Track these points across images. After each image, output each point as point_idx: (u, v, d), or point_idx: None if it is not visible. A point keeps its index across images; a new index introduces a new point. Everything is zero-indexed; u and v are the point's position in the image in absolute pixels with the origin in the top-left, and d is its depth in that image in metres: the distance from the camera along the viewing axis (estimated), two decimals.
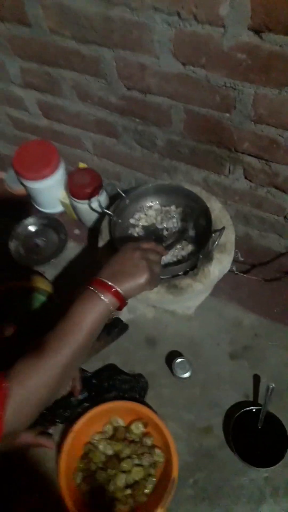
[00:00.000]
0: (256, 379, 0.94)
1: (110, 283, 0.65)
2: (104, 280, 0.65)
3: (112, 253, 0.72)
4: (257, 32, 0.62)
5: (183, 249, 0.94)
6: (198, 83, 0.76)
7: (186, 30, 0.68)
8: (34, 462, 0.89)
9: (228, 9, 0.61)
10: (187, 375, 0.91)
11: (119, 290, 0.65)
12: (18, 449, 0.85)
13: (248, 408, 0.88)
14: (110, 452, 0.88)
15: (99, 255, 0.95)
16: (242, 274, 1.03)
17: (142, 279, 0.68)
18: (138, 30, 0.72)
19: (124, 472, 0.85)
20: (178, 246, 0.94)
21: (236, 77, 0.71)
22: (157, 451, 0.87)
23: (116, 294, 0.65)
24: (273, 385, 0.84)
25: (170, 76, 0.78)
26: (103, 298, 0.64)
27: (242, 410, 0.88)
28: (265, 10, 0.58)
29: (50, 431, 0.90)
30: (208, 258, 0.89)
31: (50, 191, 1.13)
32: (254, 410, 0.88)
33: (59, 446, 0.85)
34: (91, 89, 0.91)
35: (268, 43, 0.63)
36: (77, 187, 1.04)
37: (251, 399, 0.92)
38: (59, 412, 0.91)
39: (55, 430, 0.91)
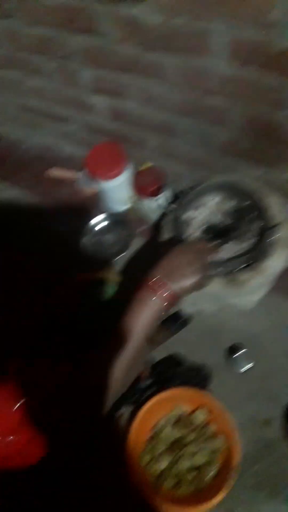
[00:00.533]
0: None
1: (164, 282, 0.69)
2: (158, 279, 0.69)
3: (170, 249, 0.76)
4: None
5: (242, 244, 0.96)
6: (254, 83, 0.79)
7: (242, 34, 0.71)
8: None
9: (280, 14, 0.63)
10: (248, 367, 0.93)
11: (172, 290, 0.69)
12: None
13: None
14: (175, 436, 0.93)
15: (160, 249, 1.01)
16: None
17: (194, 280, 0.71)
18: (198, 37, 0.77)
19: (188, 456, 0.90)
20: (237, 241, 0.96)
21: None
22: (220, 438, 0.90)
23: (170, 295, 0.69)
24: None
25: (227, 78, 0.81)
26: (155, 298, 0.68)
27: None
28: None
29: (119, 413, 0.97)
30: (267, 252, 0.90)
31: (119, 190, 1.20)
32: None
33: (128, 428, 0.92)
34: (156, 92, 0.97)
35: None
36: (142, 186, 1.11)
37: None
38: (128, 395, 0.98)
39: (125, 412, 0.98)
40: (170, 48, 0.83)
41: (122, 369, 0.69)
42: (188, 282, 0.71)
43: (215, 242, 0.92)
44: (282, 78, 0.73)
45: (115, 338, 0.69)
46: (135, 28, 0.83)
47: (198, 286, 0.73)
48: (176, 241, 0.91)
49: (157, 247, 1.04)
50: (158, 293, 0.68)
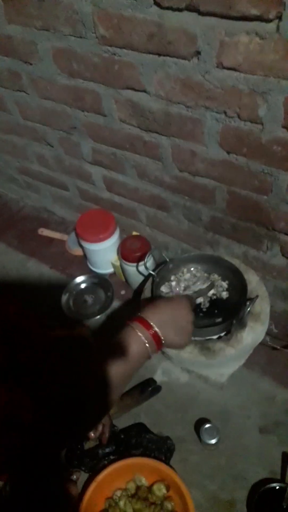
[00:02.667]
0: (285, 456, 0.92)
1: (161, 336, 0.67)
2: (152, 325, 0.67)
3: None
4: None
5: (218, 315, 1.00)
6: (240, 169, 0.87)
7: (231, 125, 0.81)
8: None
9: (265, 111, 0.73)
10: (213, 441, 0.91)
11: (163, 341, 0.67)
12: None
13: (274, 485, 0.86)
14: (129, 510, 0.88)
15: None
16: (276, 347, 1.05)
17: (184, 340, 0.72)
18: (191, 124, 0.87)
19: None
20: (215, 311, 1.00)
21: (272, 165, 0.81)
22: None
23: (159, 346, 0.68)
24: None
25: (216, 162, 0.90)
26: (145, 345, 0.66)
27: (267, 487, 0.86)
28: None
29: (74, 477, 0.92)
30: (242, 325, 0.94)
31: (104, 253, 1.25)
32: (279, 487, 0.86)
33: (81, 495, 0.87)
34: (149, 169, 1.06)
35: None
36: (128, 251, 1.16)
37: (278, 476, 0.90)
38: (86, 461, 0.94)
39: (79, 478, 0.93)
40: (165, 131, 0.93)
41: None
42: (179, 341, 0.72)
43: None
44: (267, 166, 0.82)
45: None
46: (135, 111, 0.94)
47: (183, 346, 0.73)
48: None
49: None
50: (146, 341, 0.67)
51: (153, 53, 0.80)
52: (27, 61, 1.03)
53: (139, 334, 0.66)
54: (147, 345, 0.66)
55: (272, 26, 0.63)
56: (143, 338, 0.66)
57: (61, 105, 1.09)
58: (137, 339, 0.66)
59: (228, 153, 0.86)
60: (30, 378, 0.71)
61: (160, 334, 0.67)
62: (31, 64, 1.03)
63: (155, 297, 0.73)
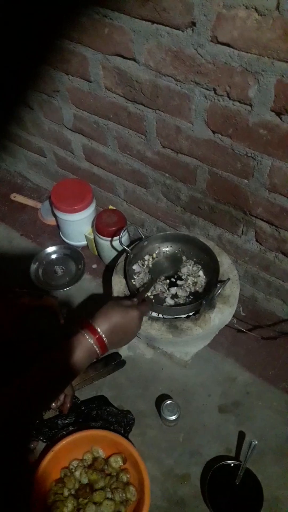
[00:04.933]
0: (241, 435, 0.95)
1: (105, 341, 0.74)
2: (101, 335, 0.73)
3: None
4: (278, 114, 0.73)
5: (187, 294, 1.00)
6: (223, 149, 0.86)
7: (219, 104, 0.79)
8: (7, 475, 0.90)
9: (256, 92, 0.72)
10: (173, 417, 0.93)
11: (107, 344, 0.74)
12: None
13: (228, 462, 0.89)
14: (85, 480, 0.89)
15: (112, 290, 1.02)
16: (242, 330, 1.07)
17: (130, 339, 0.81)
18: (179, 98, 0.85)
19: (94, 503, 0.86)
20: (185, 289, 1.01)
21: (256, 149, 0.81)
22: (132, 489, 0.87)
23: (103, 350, 0.74)
24: (256, 442, 0.85)
25: (200, 141, 0.89)
26: (94, 347, 0.72)
27: (221, 463, 0.89)
28: (286, 97, 0.69)
29: (32, 446, 0.92)
30: (211, 306, 0.94)
31: (78, 225, 1.23)
32: (233, 465, 0.88)
33: (37, 464, 0.87)
34: (132, 142, 1.03)
35: (286, 124, 0.73)
36: (103, 225, 1.14)
37: (233, 454, 0.93)
38: (44, 431, 0.94)
39: (37, 447, 0.93)
40: (152, 104, 0.90)
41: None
42: (125, 341, 0.80)
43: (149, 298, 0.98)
44: (251, 150, 0.82)
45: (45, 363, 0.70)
46: (122, 79, 0.91)
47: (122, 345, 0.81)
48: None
49: (108, 285, 1.05)
50: (95, 342, 0.73)
51: (146, 19, 0.77)
52: None
53: (87, 337, 0.72)
54: (94, 347, 0.73)
55: (272, 2, 0.61)
56: (90, 341, 0.72)
57: (45, 66, 1.04)
58: (84, 341, 0.72)
59: (214, 132, 0.85)
60: None
61: (105, 340, 0.74)
62: None
63: (110, 304, 0.78)
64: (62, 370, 0.70)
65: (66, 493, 0.87)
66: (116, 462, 0.90)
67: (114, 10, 0.80)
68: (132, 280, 1.03)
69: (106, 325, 0.74)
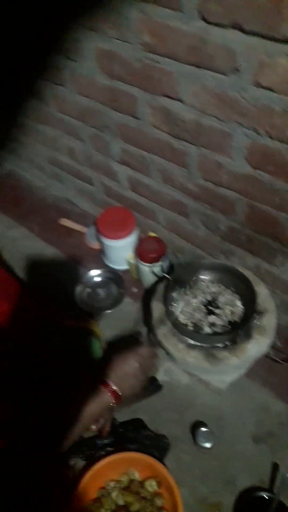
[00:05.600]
0: (275, 467, 0.94)
1: (117, 391, 0.85)
2: (113, 386, 0.85)
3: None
4: None
5: (224, 323, 1.02)
6: (263, 185, 0.89)
7: (260, 142, 0.83)
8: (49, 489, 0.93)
9: None
10: (208, 445, 0.94)
11: (121, 396, 0.85)
12: None
13: (261, 494, 0.89)
14: (121, 502, 0.91)
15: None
16: (279, 361, 1.07)
17: (137, 391, 0.91)
18: (221, 136, 0.89)
19: None
20: (222, 318, 1.03)
21: None
22: None
23: (117, 398, 0.85)
24: None
25: (240, 176, 0.93)
26: (108, 396, 0.84)
27: (255, 495, 0.89)
28: None
29: (72, 463, 0.96)
30: (248, 336, 0.96)
31: (121, 250, 1.29)
32: (266, 497, 0.88)
33: (77, 481, 0.90)
34: (174, 175, 1.09)
35: None
36: (144, 251, 1.19)
37: (266, 486, 0.92)
38: (83, 449, 0.97)
39: (76, 464, 0.97)
40: (195, 140, 0.96)
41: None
42: (133, 393, 0.90)
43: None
44: None
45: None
46: (168, 118, 0.97)
47: (136, 396, 0.92)
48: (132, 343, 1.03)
49: (146, 309, 1.09)
50: (111, 395, 0.84)
51: (193, 64, 0.83)
52: (71, 57, 1.07)
53: (102, 388, 0.84)
54: (109, 396, 0.84)
55: None
56: (106, 393, 0.84)
57: (97, 104, 1.12)
58: (101, 393, 0.84)
59: (254, 168, 0.89)
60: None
61: (116, 390, 0.85)
62: (75, 61, 1.07)
63: (113, 356, 0.91)
64: (80, 417, 0.81)
65: None
66: (151, 486, 0.92)
67: (164, 57, 0.87)
68: (170, 307, 1.07)
69: (113, 377, 0.86)
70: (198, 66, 0.82)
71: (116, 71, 0.99)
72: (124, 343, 1.17)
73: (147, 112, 1.01)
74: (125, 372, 0.88)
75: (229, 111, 0.84)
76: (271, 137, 0.81)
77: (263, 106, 0.78)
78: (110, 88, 1.05)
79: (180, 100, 0.91)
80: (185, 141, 0.98)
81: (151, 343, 0.97)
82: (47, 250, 1.48)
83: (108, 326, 1.23)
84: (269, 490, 0.91)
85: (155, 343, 0.97)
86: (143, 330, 1.17)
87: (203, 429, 0.96)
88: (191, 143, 0.97)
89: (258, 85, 0.75)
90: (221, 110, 0.85)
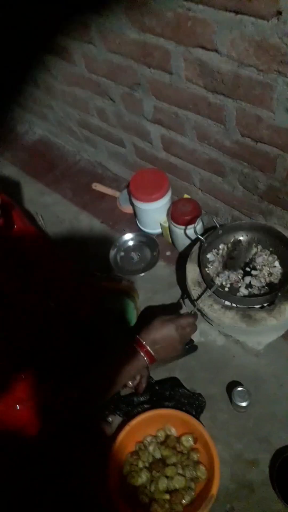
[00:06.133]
0: None
1: (152, 353, 0.88)
2: (148, 348, 0.88)
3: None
4: None
5: (262, 284, 1.01)
6: None
7: None
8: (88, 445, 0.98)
9: None
10: (244, 404, 0.95)
11: (156, 358, 0.89)
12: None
13: None
14: (158, 455, 0.94)
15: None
16: None
17: (173, 355, 0.93)
18: (261, 88, 0.84)
19: (167, 477, 0.91)
20: (260, 280, 1.01)
21: None
22: (202, 467, 0.91)
23: (152, 360, 0.89)
24: None
25: (282, 130, 0.88)
26: (143, 358, 0.88)
27: None
28: None
29: (110, 419, 0.99)
30: (286, 298, 0.94)
31: (154, 213, 1.27)
32: None
33: (114, 436, 0.94)
34: (210, 132, 1.05)
35: None
36: (177, 214, 1.17)
37: None
38: (121, 406, 1.00)
39: (114, 420, 1.00)
40: (233, 94, 0.91)
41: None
42: (168, 356, 0.92)
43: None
44: None
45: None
46: (203, 71, 0.92)
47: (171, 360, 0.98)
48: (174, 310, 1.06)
49: (180, 272, 1.09)
50: (146, 356, 0.88)
51: (230, 10, 0.77)
52: (99, 12, 1.02)
53: (138, 349, 0.88)
54: (144, 358, 0.88)
55: None
56: (141, 353, 0.88)
57: (128, 60, 1.08)
58: (136, 354, 0.88)
59: None
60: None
61: (151, 351, 0.88)
62: (102, 15, 1.02)
63: (154, 321, 0.91)
64: (117, 377, 0.86)
65: (140, 465, 0.93)
66: (188, 441, 0.94)
67: (198, 3, 0.81)
68: (206, 269, 1.05)
69: (150, 340, 0.88)
70: (235, 12, 0.77)
71: (147, 23, 0.94)
72: (166, 309, 1.18)
73: (181, 66, 0.96)
74: (163, 338, 0.89)
75: (270, 60, 0.79)
76: None
77: None
78: (142, 43, 1.00)
79: (216, 51, 0.86)
80: (222, 94, 0.93)
81: (191, 314, 0.95)
82: (81, 215, 1.48)
83: (143, 289, 1.24)
84: None
85: (195, 314, 0.97)
86: (183, 298, 1.17)
87: (239, 388, 0.97)
88: (228, 97, 0.92)
89: None
90: (261, 59, 0.80)
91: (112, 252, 1.31)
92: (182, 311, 1.16)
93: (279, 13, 0.71)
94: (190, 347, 1.09)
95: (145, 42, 0.99)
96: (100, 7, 1.01)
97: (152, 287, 1.25)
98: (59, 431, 0.83)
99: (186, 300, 1.15)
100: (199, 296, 1.02)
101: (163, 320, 0.90)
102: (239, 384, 1.01)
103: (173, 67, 0.98)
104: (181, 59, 0.95)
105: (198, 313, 1.02)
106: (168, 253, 1.32)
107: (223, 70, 0.88)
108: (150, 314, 0.97)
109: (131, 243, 1.35)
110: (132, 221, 1.41)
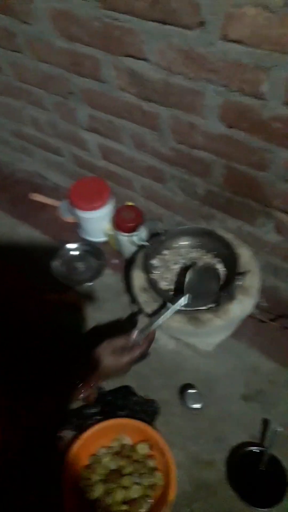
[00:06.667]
0: (265, 423, 0.97)
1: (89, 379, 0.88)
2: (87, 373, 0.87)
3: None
4: None
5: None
6: (238, 143, 0.87)
7: (232, 99, 0.80)
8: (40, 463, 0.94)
9: (268, 87, 0.73)
10: (197, 406, 0.96)
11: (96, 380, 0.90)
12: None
13: (253, 448, 0.92)
14: (113, 466, 0.93)
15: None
16: (266, 321, 1.09)
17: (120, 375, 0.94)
18: (192, 96, 0.86)
19: (123, 488, 0.89)
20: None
21: (272, 142, 0.82)
22: (158, 474, 0.91)
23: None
24: (281, 429, 0.86)
25: (215, 136, 0.90)
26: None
27: (247, 449, 0.92)
28: None
29: (61, 434, 0.96)
30: (231, 297, 0.96)
31: (98, 222, 1.26)
32: (258, 451, 0.91)
33: (67, 451, 0.91)
34: (146, 139, 1.05)
35: None
36: (121, 221, 1.17)
37: (257, 440, 0.95)
38: (72, 420, 0.98)
39: (66, 435, 0.97)
40: (165, 102, 0.92)
41: None
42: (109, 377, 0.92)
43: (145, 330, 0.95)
44: (266, 143, 0.83)
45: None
46: (134, 79, 0.92)
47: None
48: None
49: (128, 280, 1.08)
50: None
51: (156, 20, 0.78)
52: (24, 20, 1.00)
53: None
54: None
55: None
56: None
57: (59, 69, 1.06)
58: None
59: (229, 127, 0.86)
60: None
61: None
62: (28, 23, 1.00)
63: (102, 348, 0.90)
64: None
65: (95, 478, 0.91)
66: (143, 449, 0.94)
67: (124, 13, 0.81)
68: (152, 275, 1.06)
69: (96, 377, 0.87)
70: (161, 22, 0.78)
71: (74, 32, 0.93)
72: (117, 327, 1.15)
73: (112, 75, 0.96)
74: (110, 370, 0.89)
75: (197, 68, 0.80)
76: (244, 93, 0.78)
77: (233, 61, 0.74)
78: (70, 52, 0.99)
79: (145, 60, 0.87)
80: (155, 102, 0.94)
81: (143, 333, 0.93)
82: (20, 228, 1.43)
83: (91, 298, 1.22)
84: (260, 444, 0.94)
85: (152, 336, 0.94)
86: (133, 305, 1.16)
87: (191, 390, 0.98)
88: (161, 105, 0.93)
89: (226, 38, 0.72)
90: (189, 67, 0.81)
91: (56, 263, 1.28)
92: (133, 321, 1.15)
93: (202, 23, 0.72)
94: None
95: (75, 51, 0.98)
96: (25, 14, 0.98)
97: (100, 296, 1.23)
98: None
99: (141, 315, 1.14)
100: (154, 313, 1.00)
101: (116, 351, 0.89)
102: (192, 386, 1.02)
103: (104, 76, 0.98)
104: (112, 68, 0.95)
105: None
106: (115, 261, 1.31)
107: (154, 78, 0.89)
108: (98, 342, 0.93)
109: (75, 253, 1.32)
110: (75, 231, 1.39)
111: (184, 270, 1.07)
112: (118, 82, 0.97)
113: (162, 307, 0.97)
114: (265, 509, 0.85)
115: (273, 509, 0.84)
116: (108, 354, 0.88)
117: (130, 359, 0.89)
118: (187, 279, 0.95)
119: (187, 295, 0.93)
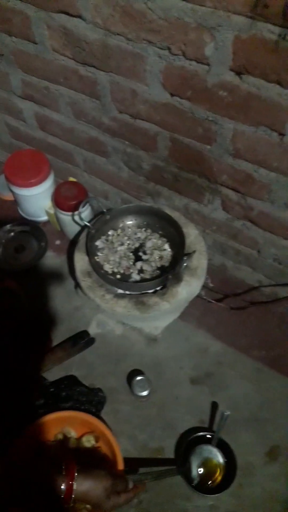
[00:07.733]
0: (214, 406, 0.95)
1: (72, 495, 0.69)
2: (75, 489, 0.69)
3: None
4: (238, 73, 0.67)
5: (153, 269, 0.97)
6: (183, 113, 0.81)
7: (175, 64, 0.73)
8: None
9: (213, 50, 0.66)
10: (145, 393, 0.92)
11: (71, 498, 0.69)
12: None
13: (201, 434, 0.89)
14: None
15: None
16: (212, 301, 1.05)
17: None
18: (132, 59, 0.78)
19: None
20: (151, 264, 0.97)
21: (217, 112, 0.76)
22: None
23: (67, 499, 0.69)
24: (228, 412, 0.85)
25: (158, 105, 0.83)
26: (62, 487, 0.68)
27: (195, 435, 0.89)
28: (244, 54, 0.64)
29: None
30: (178, 279, 0.92)
31: (37, 200, 1.16)
32: (207, 436, 0.89)
33: (6, 451, 0.84)
34: (86, 108, 0.96)
35: (247, 84, 0.68)
36: (62, 199, 1.08)
37: (206, 425, 0.93)
38: (17, 414, 0.91)
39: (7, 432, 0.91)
40: (104, 66, 0.83)
41: None
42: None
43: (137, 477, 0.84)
44: (211, 113, 0.77)
45: None
46: (69, 40, 0.83)
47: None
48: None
49: (72, 262, 1.00)
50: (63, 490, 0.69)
51: None
52: None
53: (62, 484, 0.69)
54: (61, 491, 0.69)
55: None
56: (62, 487, 0.69)
57: None
58: (57, 481, 0.69)
59: (172, 95, 0.79)
60: None
61: (73, 497, 0.70)
62: None
63: (101, 481, 0.73)
64: None
65: None
66: (89, 441, 0.89)
67: None
68: (96, 257, 0.99)
69: (83, 493, 0.71)
70: None
71: None
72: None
73: (45, 34, 0.86)
74: (97, 498, 0.73)
75: (137, 27, 0.72)
76: (186, 57, 0.71)
77: (175, 20, 0.67)
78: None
79: (80, 17, 0.77)
80: (93, 66, 0.85)
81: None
82: None
83: (32, 284, 1.13)
84: (209, 429, 0.92)
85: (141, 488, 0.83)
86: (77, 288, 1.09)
87: (138, 377, 0.94)
88: (100, 69, 0.84)
89: None
90: (128, 27, 0.73)
91: None
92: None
93: None
94: (86, 340, 1.03)
95: (0, 5, 0.86)
96: None
97: (42, 280, 1.15)
98: None
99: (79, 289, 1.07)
100: None
101: (112, 491, 0.74)
102: (139, 372, 0.98)
103: (36, 35, 0.87)
104: (44, 26, 0.84)
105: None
106: (57, 242, 1.22)
107: (90, 39, 0.80)
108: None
109: (13, 234, 1.22)
110: (13, 210, 1.28)
111: (130, 252, 1.01)
112: (51, 42, 0.87)
113: None
114: (214, 495, 0.83)
115: (222, 494, 0.82)
116: (100, 492, 0.73)
117: (126, 500, 0.77)
118: None
119: None
